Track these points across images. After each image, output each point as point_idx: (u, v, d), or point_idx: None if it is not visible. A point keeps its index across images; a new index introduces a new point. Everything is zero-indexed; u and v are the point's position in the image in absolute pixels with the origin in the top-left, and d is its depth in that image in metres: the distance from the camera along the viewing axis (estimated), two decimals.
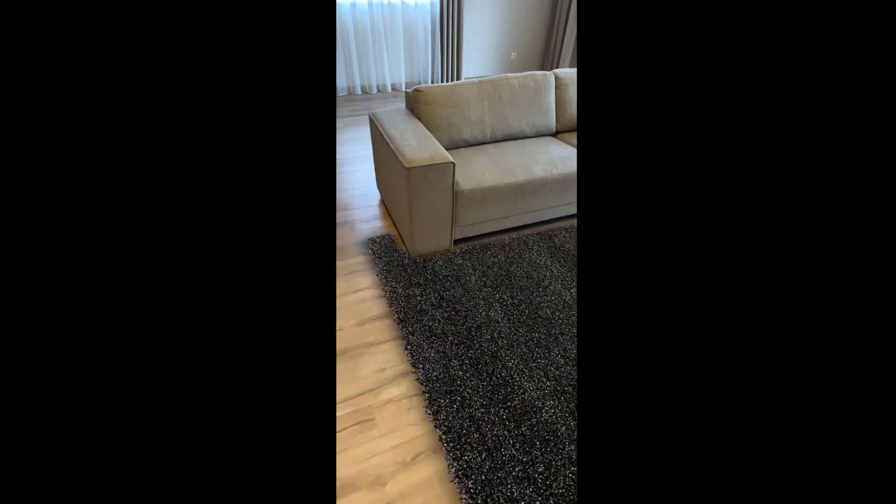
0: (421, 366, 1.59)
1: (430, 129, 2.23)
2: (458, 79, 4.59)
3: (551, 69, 4.78)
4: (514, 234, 2.30)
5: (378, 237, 2.24)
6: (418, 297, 1.88)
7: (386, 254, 2.13)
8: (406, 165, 1.80)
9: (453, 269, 2.04)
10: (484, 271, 2.04)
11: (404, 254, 2.13)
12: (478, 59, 4.72)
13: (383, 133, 2.06)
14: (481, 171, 2.09)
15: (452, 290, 1.93)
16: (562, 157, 2.24)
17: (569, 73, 2.52)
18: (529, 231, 2.34)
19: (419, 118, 2.24)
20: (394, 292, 1.90)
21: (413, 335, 1.71)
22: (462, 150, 2.32)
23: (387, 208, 2.48)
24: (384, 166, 2.20)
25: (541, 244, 2.23)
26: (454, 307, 1.84)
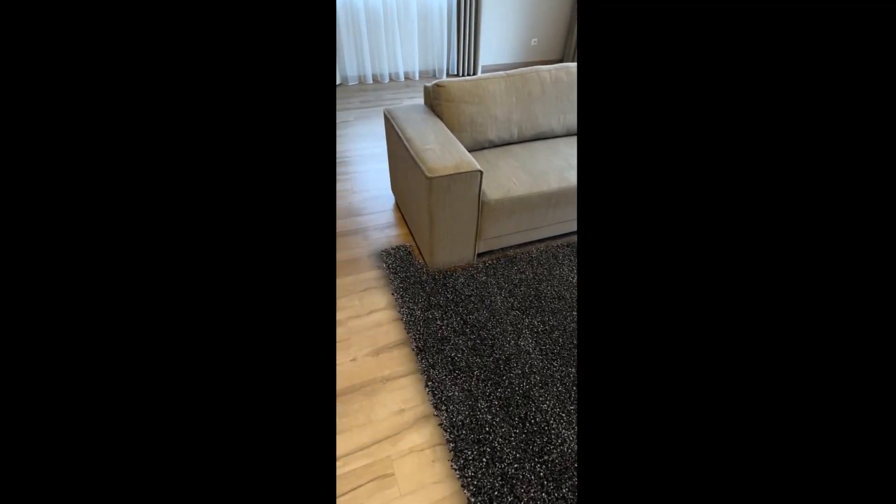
0: (444, 407, 1.40)
1: (451, 129, 2.01)
2: (475, 67, 4.32)
3: (574, 55, 4.48)
4: (542, 245, 2.09)
5: (393, 248, 2.04)
6: (439, 322, 1.69)
7: (402, 268, 1.93)
8: (427, 174, 1.59)
9: (476, 288, 1.84)
10: (510, 290, 1.84)
11: (422, 268, 1.93)
12: (496, 46, 4.44)
13: (400, 134, 1.85)
14: (510, 176, 1.87)
15: (476, 314, 1.73)
16: None
17: None
18: (558, 242, 2.13)
19: (440, 116, 2.02)
20: (411, 315, 1.71)
21: (434, 368, 1.52)
22: (486, 151, 2.09)
23: (402, 214, 2.27)
24: (400, 170, 1.99)
25: (571, 258, 2.02)
26: (479, 334, 1.65)
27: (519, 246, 2.10)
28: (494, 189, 1.81)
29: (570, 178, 1.90)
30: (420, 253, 2.02)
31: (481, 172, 1.65)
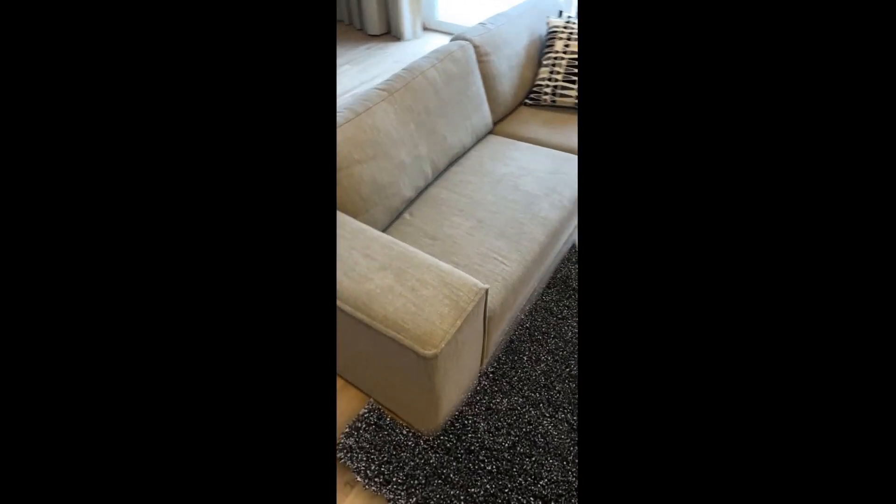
0: None
1: (353, 213, 1.19)
2: None
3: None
4: (525, 305, 1.54)
5: (354, 427, 1.22)
6: None
7: (392, 461, 1.16)
8: (422, 353, 0.84)
9: (509, 423, 1.22)
10: (549, 399, 1.28)
11: (418, 441, 1.20)
12: None
13: None
14: (485, 252, 1.22)
15: (545, 472, 1.14)
16: (547, 170, 1.49)
17: (483, 37, 1.66)
18: (536, 289, 1.61)
19: None
20: None
21: None
22: (410, 217, 1.35)
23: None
24: None
25: (564, 303, 1.54)
26: None
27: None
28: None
29: (545, 212, 1.35)
30: (401, 417, 1.25)
31: (487, 290, 0.97)
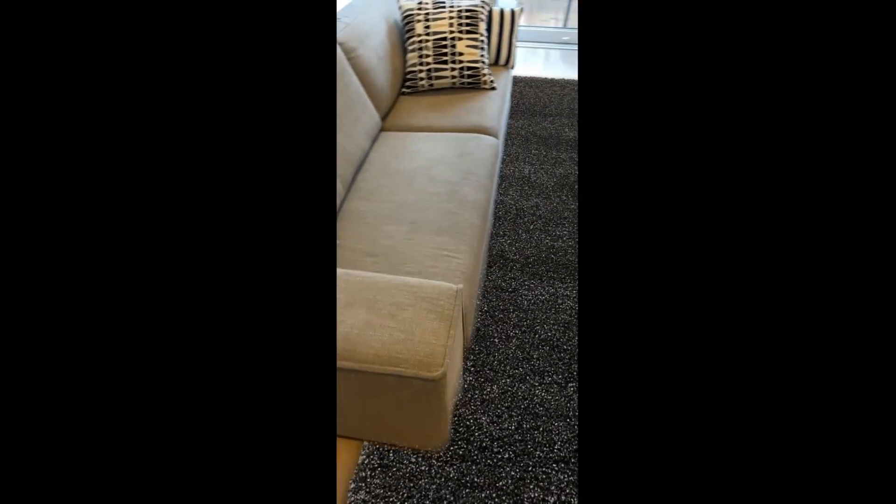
0: None
1: None
2: None
3: None
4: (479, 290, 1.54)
5: (361, 476, 1.10)
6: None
7: (412, 491, 1.08)
8: (428, 376, 0.78)
9: (508, 404, 1.23)
10: (534, 363, 1.31)
11: (427, 464, 1.14)
12: None
13: None
14: (426, 251, 1.17)
15: (556, 432, 1.17)
16: (454, 154, 1.48)
17: (344, 32, 1.55)
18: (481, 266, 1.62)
19: None
20: None
21: None
22: (340, 239, 1.24)
23: None
24: None
25: (512, 273, 1.58)
26: None
27: None
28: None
29: (473, 196, 1.35)
30: (406, 446, 1.17)
31: (460, 289, 0.93)
